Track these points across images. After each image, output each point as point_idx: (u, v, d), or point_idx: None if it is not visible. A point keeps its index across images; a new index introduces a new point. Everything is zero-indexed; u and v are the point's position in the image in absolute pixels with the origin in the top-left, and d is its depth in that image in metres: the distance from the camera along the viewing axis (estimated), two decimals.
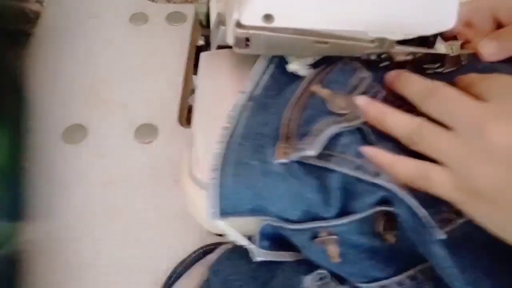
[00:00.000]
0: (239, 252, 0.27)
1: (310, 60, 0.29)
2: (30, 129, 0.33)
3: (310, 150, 0.22)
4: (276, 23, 0.26)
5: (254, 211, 0.25)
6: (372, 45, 0.28)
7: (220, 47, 0.34)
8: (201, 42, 0.41)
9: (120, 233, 0.29)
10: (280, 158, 0.23)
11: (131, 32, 0.38)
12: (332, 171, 0.23)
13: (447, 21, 0.27)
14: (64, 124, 0.33)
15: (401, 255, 0.23)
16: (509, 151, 0.21)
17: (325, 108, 0.24)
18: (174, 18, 0.39)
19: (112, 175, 0.31)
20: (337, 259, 0.24)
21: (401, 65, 0.29)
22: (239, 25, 0.27)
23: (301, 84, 0.27)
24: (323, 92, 0.25)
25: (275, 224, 0.25)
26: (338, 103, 0.24)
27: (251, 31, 0.27)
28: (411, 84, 0.26)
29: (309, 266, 0.26)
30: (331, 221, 0.24)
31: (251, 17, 0.26)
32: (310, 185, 0.23)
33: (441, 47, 0.29)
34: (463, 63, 0.29)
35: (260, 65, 0.29)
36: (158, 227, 0.30)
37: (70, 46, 0.38)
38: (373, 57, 0.29)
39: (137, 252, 0.29)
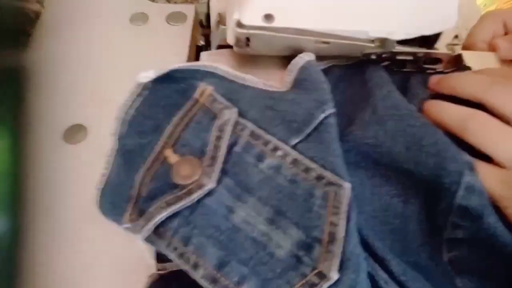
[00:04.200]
0: (163, 279, 0.26)
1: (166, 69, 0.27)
2: (30, 129, 0.33)
3: (140, 235, 0.22)
4: (276, 23, 0.26)
5: None
6: (372, 44, 0.28)
7: (220, 47, 0.34)
8: (201, 42, 0.41)
9: (120, 233, 0.29)
10: (126, 222, 0.23)
11: (131, 32, 0.38)
12: None
13: (448, 21, 0.27)
14: (64, 124, 0.33)
15: None
16: None
17: (169, 179, 0.23)
18: (174, 18, 0.39)
19: None
20: None
21: (402, 64, 0.29)
22: (239, 24, 0.27)
23: (159, 142, 0.25)
24: (172, 159, 0.24)
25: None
26: (183, 171, 0.23)
27: (251, 31, 0.27)
28: (469, 80, 0.26)
29: None
30: None
31: (252, 17, 0.26)
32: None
33: (442, 47, 0.29)
34: (464, 62, 0.29)
35: (130, 95, 0.27)
36: None
37: (70, 46, 0.38)
38: (373, 57, 0.29)
39: (138, 252, 0.29)
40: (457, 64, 0.29)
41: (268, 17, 0.26)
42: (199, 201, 0.23)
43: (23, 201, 0.30)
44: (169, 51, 0.37)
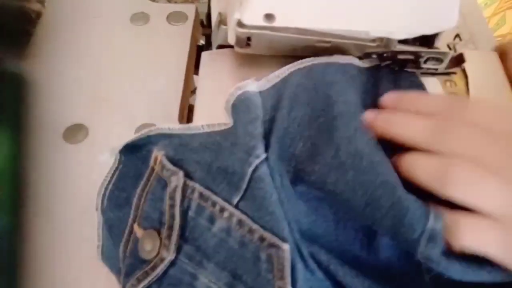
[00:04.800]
0: None
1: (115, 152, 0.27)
2: (30, 129, 0.33)
3: None
4: (277, 23, 0.26)
5: None
6: (373, 44, 0.28)
7: (221, 46, 0.34)
8: (202, 41, 0.41)
9: None
10: None
11: (132, 31, 0.38)
12: None
13: (449, 20, 0.27)
14: (65, 123, 0.33)
15: None
16: None
17: (138, 254, 0.24)
18: (175, 17, 0.39)
19: None
20: None
21: (403, 64, 0.29)
22: (240, 24, 0.27)
23: (130, 215, 0.26)
24: (138, 233, 0.24)
25: None
26: (146, 246, 0.24)
27: (252, 31, 0.27)
28: (407, 124, 0.24)
29: None
30: None
31: (253, 16, 0.26)
32: None
33: (442, 46, 0.29)
34: (465, 61, 0.29)
35: (109, 171, 0.28)
36: None
37: (70, 46, 0.38)
38: (374, 56, 0.29)
39: None
40: (458, 63, 0.29)
41: (269, 16, 0.26)
42: (165, 272, 0.23)
43: (23, 201, 0.30)
44: (169, 51, 0.37)
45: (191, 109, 0.36)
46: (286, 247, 0.21)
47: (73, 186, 0.30)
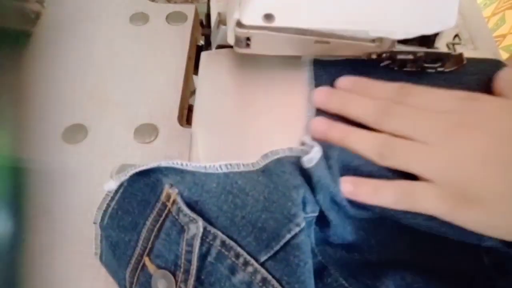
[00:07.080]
0: None
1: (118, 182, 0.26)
2: (30, 129, 0.33)
3: None
4: (276, 23, 0.26)
5: None
6: (373, 44, 0.28)
7: (220, 46, 0.34)
8: (201, 42, 0.41)
9: None
10: None
11: (131, 32, 0.38)
12: None
13: (448, 20, 0.27)
14: (64, 124, 0.33)
15: None
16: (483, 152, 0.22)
17: None
18: (174, 18, 0.39)
19: None
20: None
21: (402, 64, 0.29)
22: (239, 24, 0.27)
23: (138, 244, 0.25)
24: (150, 268, 0.24)
25: None
26: (160, 285, 0.23)
27: (251, 31, 0.27)
28: (359, 104, 0.27)
29: None
30: None
31: (252, 16, 0.26)
32: None
33: (442, 46, 0.29)
34: (464, 62, 0.29)
35: (114, 183, 0.26)
36: None
37: (70, 46, 0.38)
38: (374, 57, 0.29)
39: None
40: (457, 63, 0.29)
41: (268, 16, 0.26)
42: None
43: (23, 201, 0.30)
44: (169, 51, 0.37)
45: (191, 109, 0.36)
46: None
47: (73, 186, 0.30)
